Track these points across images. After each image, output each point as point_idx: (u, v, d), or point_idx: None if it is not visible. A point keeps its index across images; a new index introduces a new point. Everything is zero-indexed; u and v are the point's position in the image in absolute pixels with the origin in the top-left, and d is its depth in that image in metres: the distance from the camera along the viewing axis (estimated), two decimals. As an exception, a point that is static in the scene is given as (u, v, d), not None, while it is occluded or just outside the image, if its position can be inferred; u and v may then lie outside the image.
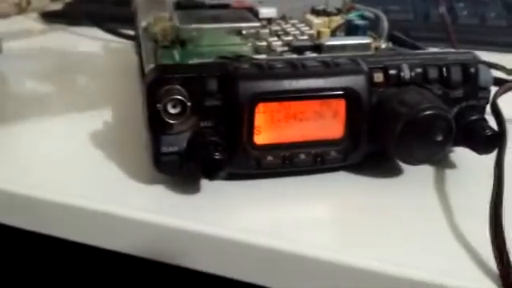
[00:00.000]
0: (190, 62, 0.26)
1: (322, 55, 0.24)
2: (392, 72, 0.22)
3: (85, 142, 0.25)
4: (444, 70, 0.22)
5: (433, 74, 0.22)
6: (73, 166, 0.24)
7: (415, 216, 0.20)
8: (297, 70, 0.21)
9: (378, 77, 0.22)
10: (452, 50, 0.24)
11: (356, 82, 0.21)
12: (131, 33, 0.38)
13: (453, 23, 0.39)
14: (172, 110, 0.20)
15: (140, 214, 0.20)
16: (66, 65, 0.36)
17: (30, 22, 0.43)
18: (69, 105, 0.30)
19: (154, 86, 0.20)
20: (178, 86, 0.20)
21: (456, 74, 0.22)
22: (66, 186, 0.22)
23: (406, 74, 0.22)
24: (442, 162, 0.23)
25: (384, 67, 0.22)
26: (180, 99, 0.20)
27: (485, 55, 0.37)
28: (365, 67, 0.22)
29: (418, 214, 0.21)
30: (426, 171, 0.23)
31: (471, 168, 0.23)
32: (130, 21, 0.35)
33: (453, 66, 0.22)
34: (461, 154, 0.24)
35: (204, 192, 0.21)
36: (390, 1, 0.41)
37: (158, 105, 0.20)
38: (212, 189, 0.21)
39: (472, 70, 0.22)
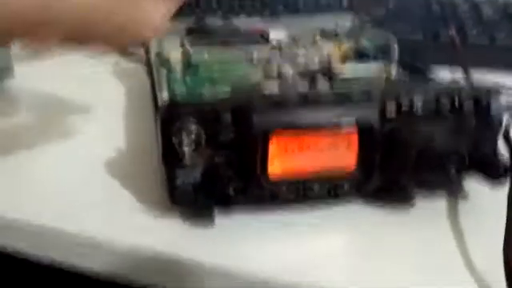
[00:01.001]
0: (203, 89, 0.26)
1: (334, 86, 0.24)
2: (404, 104, 0.22)
3: (98, 169, 0.25)
4: (456, 101, 0.22)
5: (445, 106, 0.22)
6: (86, 196, 0.24)
7: (427, 249, 0.20)
8: (309, 102, 0.21)
9: (391, 108, 0.22)
10: (464, 82, 0.24)
11: (368, 114, 0.21)
12: (142, 52, 0.38)
13: (462, 43, 0.39)
14: (186, 145, 0.20)
15: (153, 245, 0.21)
16: (78, 88, 0.36)
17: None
18: (81, 130, 0.30)
19: (169, 122, 0.20)
20: (192, 120, 0.21)
21: (468, 106, 0.22)
22: (78, 216, 0.22)
23: (419, 106, 0.22)
24: (455, 192, 0.23)
25: (396, 99, 0.22)
26: (194, 134, 0.20)
27: (495, 76, 0.37)
28: (377, 99, 0.22)
29: (430, 246, 0.21)
30: (438, 202, 0.23)
31: (484, 199, 0.23)
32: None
33: (465, 98, 0.22)
34: (474, 184, 0.24)
35: (218, 224, 0.22)
36: (400, 21, 0.41)
37: (173, 139, 0.20)
38: (226, 220, 0.21)
39: (484, 101, 0.22)
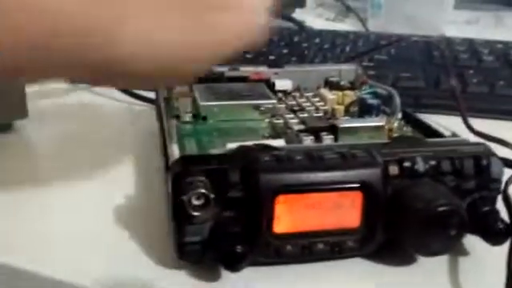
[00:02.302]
0: (212, 139, 0.27)
1: (339, 144, 0.25)
2: (407, 164, 0.23)
3: (106, 218, 0.26)
4: (457, 162, 0.23)
5: (446, 166, 0.23)
6: (91, 246, 0.24)
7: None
8: (314, 162, 0.22)
9: (394, 169, 0.22)
10: (465, 141, 0.25)
11: (372, 174, 0.22)
12: (152, 95, 0.39)
13: (463, 91, 0.40)
14: (196, 202, 0.21)
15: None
16: (90, 129, 0.37)
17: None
18: (91, 174, 0.31)
19: (179, 179, 0.21)
20: (202, 178, 0.21)
21: (469, 167, 0.23)
22: (81, 267, 0.23)
23: (421, 166, 0.23)
24: (455, 249, 0.24)
25: (399, 160, 0.23)
26: (204, 192, 0.21)
27: (495, 124, 0.38)
28: (380, 160, 0.22)
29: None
30: (439, 259, 0.23)
31: (485, 256, 0.24)
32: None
33: (466, 159, 0.23)
34: (475, 241, 0.24)
35: (224, 277, 0.22)
36: (402, 68, 0.43)
37: (183, 197, 0.21)
38: (232, 276, 0.22)
39: (484, 162, 0.23)
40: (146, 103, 0.40)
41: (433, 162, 0.23)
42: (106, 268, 0.23)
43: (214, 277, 0.22)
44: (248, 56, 0.46)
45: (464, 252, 0.24)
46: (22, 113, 0.37)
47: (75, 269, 0.23)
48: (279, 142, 0.25)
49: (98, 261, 0.23)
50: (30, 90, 0.37)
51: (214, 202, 0.21)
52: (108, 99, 0.42)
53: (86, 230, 0.26)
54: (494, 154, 0.23)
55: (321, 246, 0.22)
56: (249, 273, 0.22)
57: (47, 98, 0.42)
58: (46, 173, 0.31)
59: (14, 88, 0.35)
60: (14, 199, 0.28)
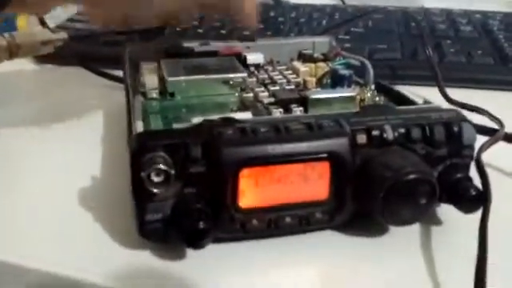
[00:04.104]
0: (179, 115, 0.26)
1: (306, 115, 0.24)
2: (375, 133, 0.22)
3: (72, 200, 0.25)
4: (427, 129, 0.22)
5: (416, 133, 0.22)
6: (57, 229, 0.23)
7: (401, 280, 0.20)
8: (280, 134, 0.21)
9: (362, 138, 0.22)
10: (436, 107, 0.24)
11: (339, 144, 0.21)
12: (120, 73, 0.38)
13: (440, 61, 0.39)
14: (156, 179, 0.20)
15: (123, 279, 0.20)
16: (57, 108, 0.36)
17: (21, 61, 0.43)
18: (57, 155, 0.30)
19: (138, 155, 0.20)
20: (162, 153, 0.20)
21: (439, 133, 0.22)
22: (51, 253, 0.22)
23: (389, 134, 0.22)
24: (428, 219, 0.23)
25: (367, 128, 0.22)
26: (164, 168, 0.20)
27: (472, 93, 0.37)
28: (347, 129, 0.22)
29: (404, 277, 0.21)
30: (412, 228, 0.23)
31: (457, 224, 0.23)
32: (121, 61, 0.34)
33: (436, 126, 0.22)
34: (447, 209, 0.24)
35: (189, 258, 0.21)
36: (378, 40, 0.42)
37: (142, 173, 0.20)
38: (197, 253, 0.21)
39: (455, 128, 0.22)
40: (116, 82, 0.39)
41: (402, 130, 0.22)
42: (70, 251, 0.22)
43: (178, 255, 0.21)
44: (222, 32, 0.44)
45: (437, 221, 0.24)
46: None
47: (39, 253, 0.22)
48: (246, 115, 0.24)
49: (62, 243, 0.23)
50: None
51: (175, 178, 0.20)
52: (77, 78, 0.40)
53: (50, 212, 0.25)
54: (465, 120, 0.23)
55: (288, 219, 0.22)
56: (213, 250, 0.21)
57: (14, 77, 0.40)
58: (11, 154, 0.30)
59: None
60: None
